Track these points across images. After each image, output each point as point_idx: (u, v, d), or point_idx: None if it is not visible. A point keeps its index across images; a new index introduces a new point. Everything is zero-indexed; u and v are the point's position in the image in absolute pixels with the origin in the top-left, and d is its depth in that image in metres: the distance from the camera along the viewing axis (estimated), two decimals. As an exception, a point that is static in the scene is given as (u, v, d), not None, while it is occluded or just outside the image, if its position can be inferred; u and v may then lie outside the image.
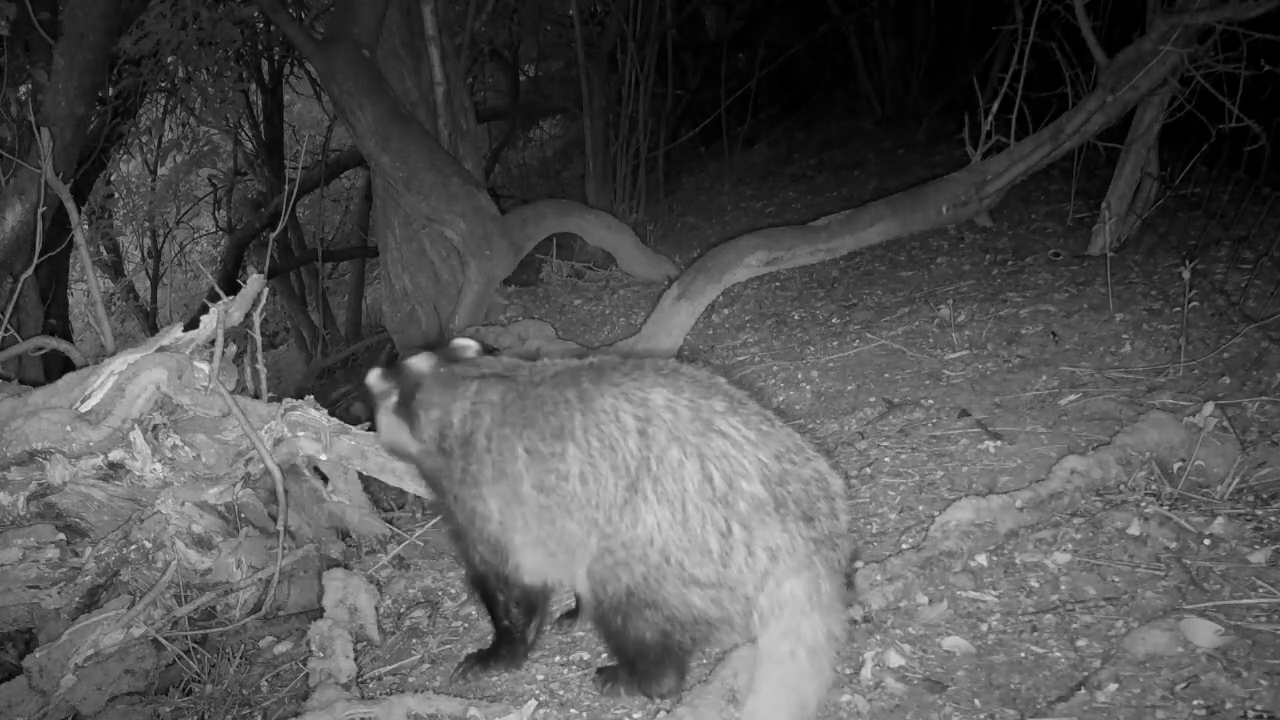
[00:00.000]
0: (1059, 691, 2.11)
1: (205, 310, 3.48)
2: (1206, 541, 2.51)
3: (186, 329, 3.56)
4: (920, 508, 3.03)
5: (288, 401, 3.46)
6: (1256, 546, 2.44)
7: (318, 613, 3.06)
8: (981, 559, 2.64)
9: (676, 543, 2.15)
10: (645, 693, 2.38)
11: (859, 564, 2.73)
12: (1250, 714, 1.93)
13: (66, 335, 6.99)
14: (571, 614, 2.87)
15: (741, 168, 9.78)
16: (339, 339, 11.36)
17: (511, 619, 2.62)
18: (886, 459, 3.37)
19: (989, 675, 2.22)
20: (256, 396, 3.74)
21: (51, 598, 3.19)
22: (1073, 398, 3.42)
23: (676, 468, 2.16)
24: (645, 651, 2.30)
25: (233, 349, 3.60)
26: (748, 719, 2.11)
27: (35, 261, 4.33)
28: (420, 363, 2.65)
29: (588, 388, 2.32)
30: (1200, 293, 3.90)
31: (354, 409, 6.52)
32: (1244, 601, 2.25)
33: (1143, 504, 2.70)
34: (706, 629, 2.23)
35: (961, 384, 3.80)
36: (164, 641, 3.07)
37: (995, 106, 4.81)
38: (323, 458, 3.50)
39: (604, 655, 2.59)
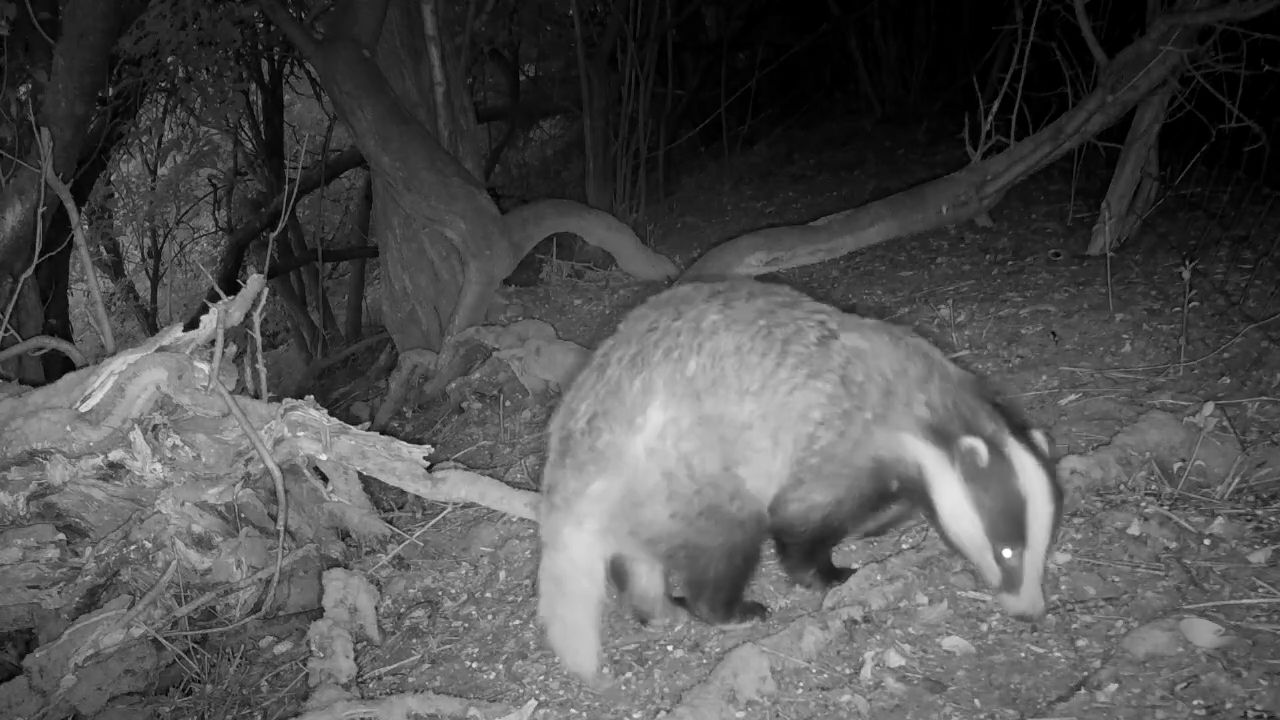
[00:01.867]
0: (1059, 691, 2.11)
1: (205, 310, 3.48)
2: (1206, 541, 2.51)
3: (186, 329, 3.56)
4: (920, 508, 3.02)
5: (288, 401, 3.46)
6: (1256, 546, 2.44)
7: (318, 613, 3.06)
8: (981, 559, 2.64)
9: None
10: None
11: (856, 565, 2.73)
12: (1250, 714, 1.93)
13: (66, 335, 6.99)
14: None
15: (741, 168, 9.77)
16: (339, 339, 11.37)
17: None
18: (886, 459, 3.37)
19: (989, 675, 2.22)
20: (256, 396, 3.74)
21: (51, 598, 3.19)
22: (1073, 398, 3.42)
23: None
24: None
25: (233, 349, 3.60)
26: (549, 641, 2.50)
27: (35, 261, 4.32)
28: None
29: None
30: (1200, 293, 3.90)
31: (354, 409, 6.53)
32: (1244, 601, 2.25)
33: (1143, 504, 2.69)
34: None
35: (961, 384, 3.79)
36: (164, 641, 3.07)
37: (995, 106, 4.81)
38: (323, 458, 3.49)
39: (605, 655, 2.59)
